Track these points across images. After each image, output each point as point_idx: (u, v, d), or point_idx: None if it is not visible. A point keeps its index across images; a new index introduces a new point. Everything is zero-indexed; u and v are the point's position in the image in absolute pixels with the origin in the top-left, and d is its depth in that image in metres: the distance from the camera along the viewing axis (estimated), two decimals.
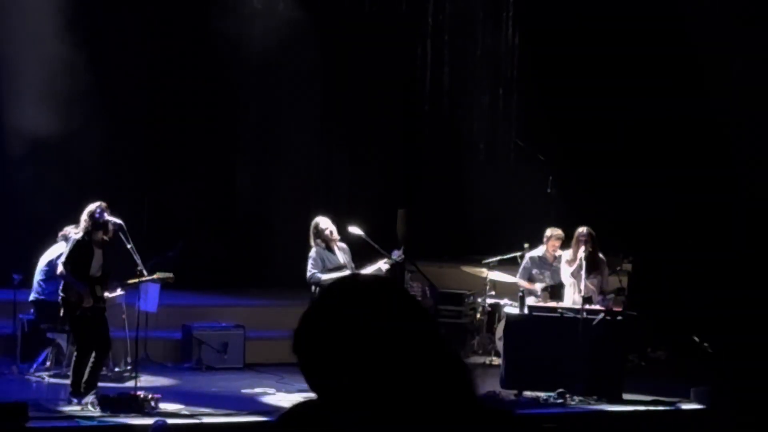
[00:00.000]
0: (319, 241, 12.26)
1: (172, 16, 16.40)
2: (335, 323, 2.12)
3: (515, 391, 12.44)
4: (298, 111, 17.35)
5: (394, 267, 12.38)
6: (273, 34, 16.52)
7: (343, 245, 12.39)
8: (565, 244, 13.27)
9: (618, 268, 13.68)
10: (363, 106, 17.74)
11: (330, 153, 17.89)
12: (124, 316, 12.46)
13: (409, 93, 18.68)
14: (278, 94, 17.20)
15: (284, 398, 11.93)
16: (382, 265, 12.29)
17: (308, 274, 12.22)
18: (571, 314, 12.56)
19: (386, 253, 12.38)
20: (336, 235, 12.27)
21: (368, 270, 12.30)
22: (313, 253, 12.28)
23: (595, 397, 12.19)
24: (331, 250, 12.24)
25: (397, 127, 18.54)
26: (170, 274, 11.85)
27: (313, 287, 12.15)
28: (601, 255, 13.03)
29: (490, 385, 12.62)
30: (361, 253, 12.41)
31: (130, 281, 11.83)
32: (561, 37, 17.53)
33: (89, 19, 15.67)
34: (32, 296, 12.61)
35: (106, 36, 15.91)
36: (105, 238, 11.36)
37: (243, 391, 12.47)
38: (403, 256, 12.39)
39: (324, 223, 12.34)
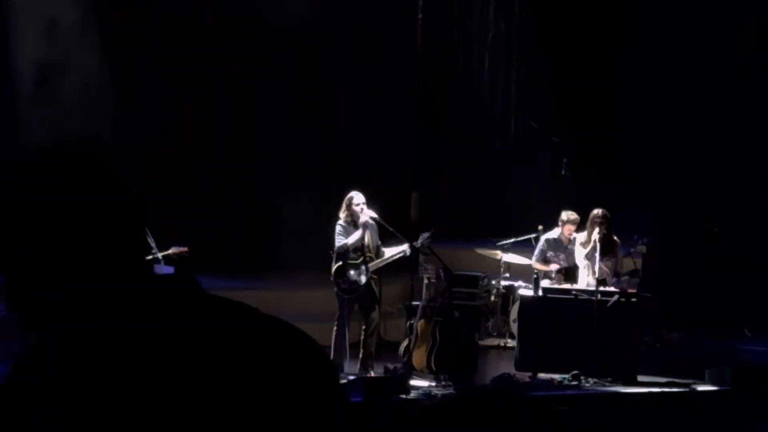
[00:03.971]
0: (347, 214, 12.06)
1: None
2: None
3: (530, 374, 12.44)
4: (310, 93, 17.32)
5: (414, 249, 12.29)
6: (286, 17, 16.51)
7: (372, 222, 12.17)
8: (580, 226, 13.24)
9: (632, 249, 13.66)
10: (376, 89, 17.70)
11: (342, 136, 17.86)
12: None
13: (422, 76, 18.63)
14: (290, 76, 17.17)
15: None
16: (407, 248, 12.19)
17: (338, 243, 12.04)
18: (585, 296, 12.56)
19: (402, 237, 12.28)
20: (365, 215, 12.02)
21: (391, 251, 12.27)
22: (340, 224, 12.10)
23: (609, 379, 12.18)
24: (356, 226, 12.07)
25: (410, 110, 18.50)
26: (185, 248, 11.83)
27: (334, 258, 12.11)
28: (615, 237, 13.00)
29: (505, 367, 12.63)
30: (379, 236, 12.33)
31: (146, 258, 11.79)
32: (574, 18, 17.47)
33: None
34: None
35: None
36: None
37: None
38: (430, 239, 12.29)
39: (357, 198, 12.05)
